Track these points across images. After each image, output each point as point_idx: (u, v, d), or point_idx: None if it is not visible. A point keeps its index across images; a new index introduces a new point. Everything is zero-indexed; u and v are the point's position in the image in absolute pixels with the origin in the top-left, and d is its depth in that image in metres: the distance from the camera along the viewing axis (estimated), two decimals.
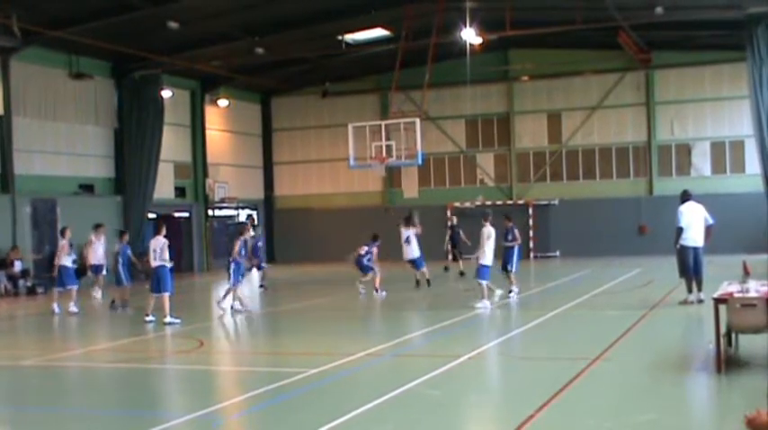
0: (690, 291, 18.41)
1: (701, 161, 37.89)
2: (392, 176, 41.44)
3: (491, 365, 13.01)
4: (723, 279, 13.39)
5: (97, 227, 24.01)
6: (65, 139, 32.11)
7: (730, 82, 36.51)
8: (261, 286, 26.68)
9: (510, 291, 21.42)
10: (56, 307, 21.41)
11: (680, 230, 18.24)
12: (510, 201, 39.28)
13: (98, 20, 28.35)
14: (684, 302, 18.38)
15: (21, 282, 28.30)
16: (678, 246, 18.35)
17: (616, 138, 39.10)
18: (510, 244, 21.83)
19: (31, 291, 28.23)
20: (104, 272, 24.45)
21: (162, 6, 27.88)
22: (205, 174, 39.62)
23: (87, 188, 33.10)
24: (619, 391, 10.60)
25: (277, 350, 15.55)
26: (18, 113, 29.86)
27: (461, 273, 28.26)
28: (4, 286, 27.81)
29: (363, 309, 21.74)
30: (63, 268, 21.59)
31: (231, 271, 20.59)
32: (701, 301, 17.91)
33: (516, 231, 22.13)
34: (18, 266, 28.45)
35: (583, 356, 12.44)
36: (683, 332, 16.06)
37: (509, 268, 21.86)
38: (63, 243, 21.81)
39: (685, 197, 18.60)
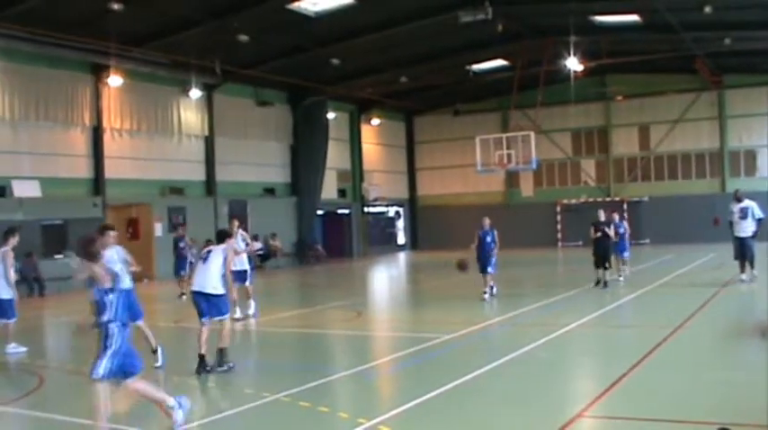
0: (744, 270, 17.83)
1: (765, 164, 36.83)
2: (512, 179, 41.12)
3: (592, 333, 12.77)
4: None
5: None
6: (253, 153, 33.08)
7: None
8: None
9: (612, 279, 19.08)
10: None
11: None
12: (608, 199, 38.40)
13: (277, 60, 29.30)
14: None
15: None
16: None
17: (694, 145, 38.19)
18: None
19: None
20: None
21: (326, 48, 28.52)
22: (361, 179, 40.17)
23: (270, 191, 34.04)
24: (697, 353, 10.39)
25: (418, 318, 15.69)
26: (219, 134, 31.07)
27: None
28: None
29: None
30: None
31: None
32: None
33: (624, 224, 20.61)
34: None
35: (668, 325, 12.13)
36: (750, 305, 15.48)
37: (625, 256, 20.18)
38: None
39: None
